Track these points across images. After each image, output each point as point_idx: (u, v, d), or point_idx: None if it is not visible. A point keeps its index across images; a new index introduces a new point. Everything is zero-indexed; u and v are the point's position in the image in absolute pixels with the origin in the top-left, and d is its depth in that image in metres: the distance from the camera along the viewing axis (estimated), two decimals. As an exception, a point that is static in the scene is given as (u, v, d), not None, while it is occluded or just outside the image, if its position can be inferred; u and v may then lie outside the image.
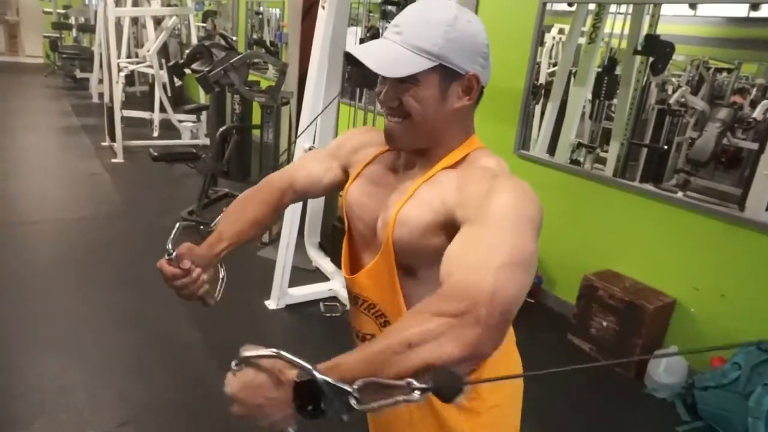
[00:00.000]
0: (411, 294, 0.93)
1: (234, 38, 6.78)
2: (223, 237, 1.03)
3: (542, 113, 3.66)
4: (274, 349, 0.63)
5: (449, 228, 0.83)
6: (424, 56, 0.83)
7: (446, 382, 0.58)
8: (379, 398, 0.59)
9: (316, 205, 3.33)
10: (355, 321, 1.08)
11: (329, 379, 0.59)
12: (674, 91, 3.81)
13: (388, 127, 0.91)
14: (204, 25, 7.80)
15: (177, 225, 1.00)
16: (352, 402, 0.59)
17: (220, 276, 1.05)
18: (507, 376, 0.96)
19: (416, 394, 0.58)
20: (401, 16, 0.87)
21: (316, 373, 0.59)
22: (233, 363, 0.67)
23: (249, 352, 0.66)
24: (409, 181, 0.92)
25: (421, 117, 0.87)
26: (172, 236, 0.96)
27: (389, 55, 0.84)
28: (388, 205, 0.93)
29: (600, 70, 3.57)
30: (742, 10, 3.07)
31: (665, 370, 2.48)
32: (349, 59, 0.86)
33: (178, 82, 6.16)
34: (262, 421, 0.65)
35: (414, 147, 0.93)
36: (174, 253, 0.94)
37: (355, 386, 0.59)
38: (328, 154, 1.13)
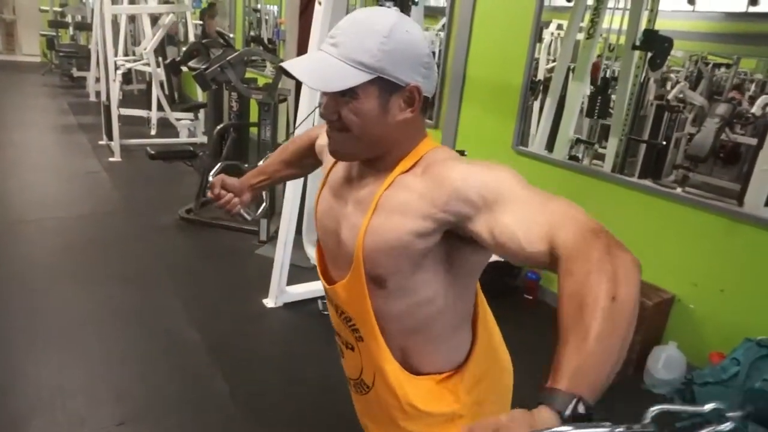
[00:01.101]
0: (380, 308, 0.91)
1: (231, 36, 6.77)
2: (262, 172, 1.31)
3: (541, 109, 3.65)
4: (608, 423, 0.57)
5: (441, 226, 0.82)
6: (360, 69, 0.80)
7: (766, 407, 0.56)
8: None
9: (313, 203, 3.32)
10: (336, 327, 1.07)
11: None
12: (673, 87, 3.80)
13: (330, 140, 0.90)
14: (201, 23, 7.78)
15: (219, 164, 1.29)
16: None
17: (264, 204, 1.39)
18: None
19: (728, 424, 0.57)
20: (338, 27, 0.84)
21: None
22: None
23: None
24: (365, 191, 0.90)
25: (361, 131, 0.84)
26: (214, 171, 1.39)
27: (325, 68, 0.81)
28: (348, 219, 0.91)
29: (593, 89, 3.57)
30: (740, 5, 3.06)
31: (664, 366, 2.48)
32: (286, 73, 0.83)
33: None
34: None
35: (359, 158, 0.91)
36: (210, 182, 1.26)
37: (647, 420, 0.57)
38: (316, 135, 1.20)
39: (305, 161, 1.26)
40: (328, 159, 1.02)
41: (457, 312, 0.96)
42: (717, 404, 0.54)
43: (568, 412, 0.55)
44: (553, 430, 0.53)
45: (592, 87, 3.56)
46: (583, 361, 0.59)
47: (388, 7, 3.23)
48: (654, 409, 0.55)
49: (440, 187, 0.81)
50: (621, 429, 0.53)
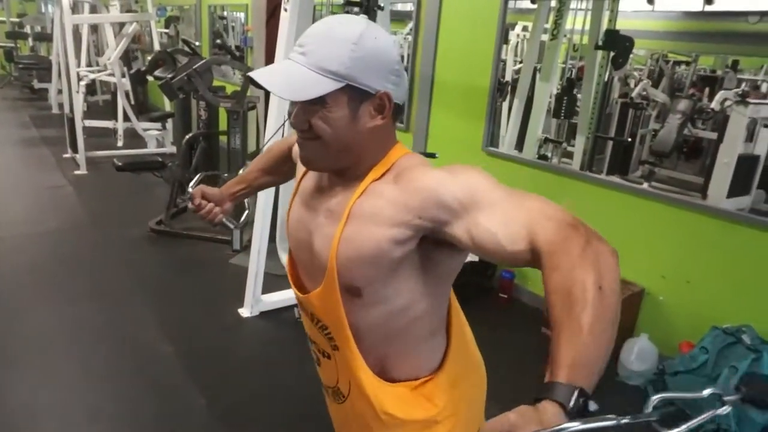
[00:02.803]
0: (356, 317, 0.91)
1: (197, 43, 6.68)
2: (242, 180, 1.31)
3: (510, 110, 3.70)
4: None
5: (417, 232, 0.82)
6: (329, 77, 0.80)
7: (759, 389, 0.58)
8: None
9: (287, 210, 3.30)
10: (311, 335, 1.06)
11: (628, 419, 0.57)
12: (636, 85, 3.90)
13: (302, 150, 0.89)
14: (167, 31, 7.66)
15: (198, 175, 1.28)
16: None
17: (246, 209, 1.29)
18: None
19: (726, 407, 0.58)
20: (305, 36, 0.84)
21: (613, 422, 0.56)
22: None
23: None
24: (336, 200, 0.89)
25: (332, 139, 0.84)
26: (193, 182, 1.30)
27: (293, 78, 0.81)
28: (320, 229, 0.90)
29: (558, 90, 3.64)
30: (697, 4, 3.16)
31: (637, 358, 2.53)
32: (254, 83, 0.83)
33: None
34: None
35: (332, 168, 0.90)
36: (190, 193, 1.26)
37: (650, 409, 0.59)
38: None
39: (283, 168, 1.25)
40: (300, 168, 1.01)
41: (432, 317, 0.96)
42: (714, 389, 0.57)
43: (571, 404, 0.57)
44: (562, 426, 0.54)
45: (559, 86, 3.63)
46: (578, 353, 0.61)
47: (356, 13, 3.24)
48: (655, 398, 0.57)
49: (414, 193, 0.81)
50: (626, 420, 0.55)
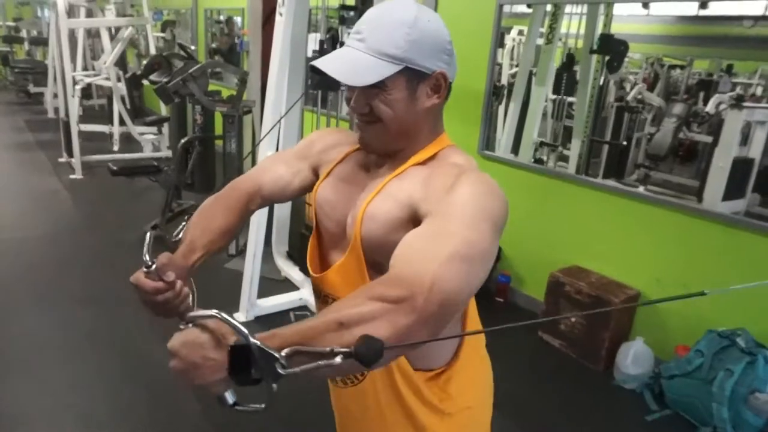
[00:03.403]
0: None
1: (193, 48, 6.68)
2: (196, 247, 0.97)
3: (505, 114, 3.71)
4: (215, 311, 0.66)
5: (415, 223, 0.83)
6: (388, 61, 0.83)
7: (367, 347, 0.60)
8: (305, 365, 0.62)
9: (283, 214, 3.29)
10: None
11: (260, 344, 0.61)
12: (631, 89, 3.91)
13: (362, 133, 0.92)
14: (163, 35, 7.66)
15: (148, 234, 0.90)
16: (279, 368, 0.61)
17: (193, 289, 0.95)
18: (445, 337, 0.91)
19: (338, 358, 0.61)
20: (362, 22, 0.87)
21: (249, 338, 0.62)
22: (181, 324, 0.69)
23: (196, 312, 0.69)
24: (380, 178, 0.92)
25: (393, 120, 0.87)
26: (146, 246, 0.87)
27: (354, 63, 0.84)
28: (357, 203, 0.92)
29: (559, 66, 3.66)
30: (692, 9, 3.17)
31: (632, 362, 2.53)
32: (315, 71, 0.85)
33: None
34: (198, 380, 0.65)
35: (389, 150, 0.93)
36: (154, 265, 0.86)
37: (283, 353, 0.62)
38: (296, 155, 1.09)
39: (240, 224, 1.05)
40: (332, 157, 1.03)
41: None
42: (333, 345, 0.62)
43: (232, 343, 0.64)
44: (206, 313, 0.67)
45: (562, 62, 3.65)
46: (279, 331, 0.65)
47: (351, 17, 3.24)
48: (291, 348, 0.62)
49: (425, 187, 0.84)
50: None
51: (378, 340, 0.61)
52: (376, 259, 0.89)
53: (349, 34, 0.90)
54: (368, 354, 0.60)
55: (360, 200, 0.92)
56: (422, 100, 0.88)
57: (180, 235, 0.93)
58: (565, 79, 3.67)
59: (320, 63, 0.85)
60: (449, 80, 0.89)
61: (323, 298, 1.01)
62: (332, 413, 1.17)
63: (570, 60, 3.67)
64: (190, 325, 0.68)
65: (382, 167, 0.94)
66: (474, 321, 1.03)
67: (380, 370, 0.97)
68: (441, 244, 0.72)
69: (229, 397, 0.67)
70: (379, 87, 0.84)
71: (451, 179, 0.82)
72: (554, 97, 3.77)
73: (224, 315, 0.66)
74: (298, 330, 0.65)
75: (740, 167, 2.60)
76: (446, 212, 0.77)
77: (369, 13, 0.87)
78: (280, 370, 0.61)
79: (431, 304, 0.66)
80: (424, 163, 0.91)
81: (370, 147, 0.93)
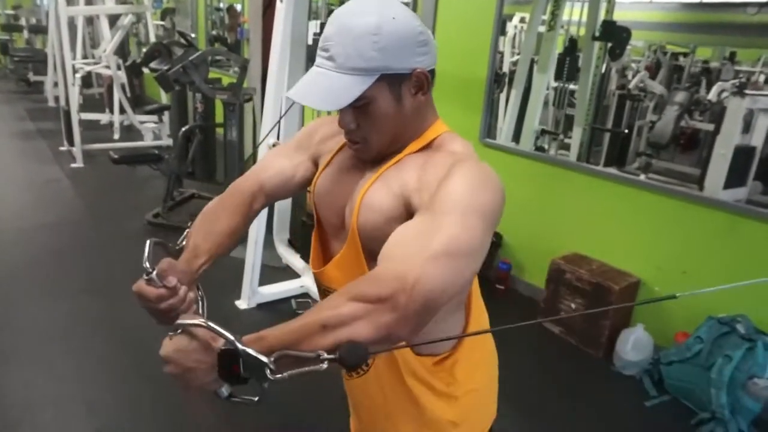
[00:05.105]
0: None
1: (193, 35, 6.65)
2: (200, 252, 0.94)
3: (507, 101, 3.70)
4: (203, 320, 0.70)
5: (409, 213, 0.82)
6: (362, 74, 0.81)
7: (351, 352, 0.64)
8: (293, 369, 0.65)
9: (284, 202, 3.29)
10: None
11: (249, 350, 0.65)
12: (634, 77, 3.89)
13: (355, 147, 0.92)
14: (163, 23, 7.61)
15: (148, 242, 0.89)
16: (267, 372, 0.65)
17: (199, 295, 0.94)
18: (434, 340, 0.92)
19: (324, 364, 0.64)
20: (326, 38, 0.83)
21: (237, 344, 0.66)
22: (170, 331, 0.73)
23: (183, 320, 0.72)
24: (378, 166, 0.91)
25: (384, 128, 0.87)
26: (146, 253, 0.86)
27: (329, 86, 0.81)
28: (354, 192, 0.92)
29: (561, 52, 3.64)
30: (695, -5, 3.15)
31: (632, 348, 2.54)
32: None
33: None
34: (194, 382, 0.71)
35: (386, 152, 0.92)
36: (154, 272, 0.84)
37: (272, 358, 0.65)
38: (296, 147, 1.07)
39: (246, 225, 1.05)
40: (331, 147, 1.02)
41: None
42: (319, 351, 0.65)
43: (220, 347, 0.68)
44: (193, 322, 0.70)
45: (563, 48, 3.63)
46: (267, 335, 0.68)
47: None
48: (278, 353, 0.66)
49: (420, 177, 0.83)
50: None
51: (361, 345, 0.64)
52: (374, 248, 0.87)
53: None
54: (352, 359, 0.64)
55: (357, 189, 0.91)
56: (407, 99, 0.86)
57: (183, 243, 0.89)
58: (567, 67, 3.65)
59: (295, 95, 0.84)
60: (429, 69, 0.86)
61: (323, 291, 1.01)
62: (337, 401, 1.18)
63: (573, 44, 3.66)
64: (179, 331, 0.72)
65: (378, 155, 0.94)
66: (478, 308, 1.04)
67: (384, 362, 0.97)
68: (428, 242, 0.71)
69: (224, 391, 0.71)
70: (362, 101, 0.82)
71: (444, 170, 0.80)
72: (556, 84, 3.75)
73: (211, 324, 0.69)
74: (283, 333, 0.67)
75: (742, 155, 2.60)
76: (436, 207, 0.76)
77: (331, 25, 0.83)
78: (268, 375, 0.65)
79: (413, 303, 0.66)
80: (421, 150, 0.90)
81: (366, 159, 0.93)
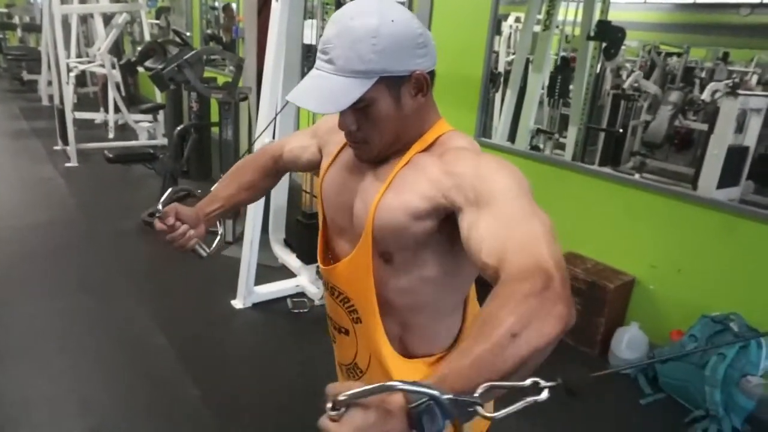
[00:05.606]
0: (385, 283, 0.92)
1: (188, 34, 6.62)
2: (216, 198, 1.15)
3: (502, 101, 3.71)
4: (394, 381, 0.56)
5: (439, 211, 0.83)
6: (361, 77, 0.81)
7: (573, 375, 0.58)
8: (497, 396, 0.58)
9: (280, 201, 3.29)
10: (331, 311, 1.07)
11: (452, 396, 0.54)
12: (628, 76, 3.91)
13: (355, 149, 0.93)
14: (157, 22, 7.59)
15: (170, 189, 1.17)
16: (479, 410, 0.56)
17: (219, 233, 1.23)
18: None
19: (545, 392, 0.58)
20: (325, 41, 0.84)
21: (436, 392, 0.54)
22: (328, 407, 0.57)
23: (349, 391, 0.56)
24: (385, 166, 0.91)
25: (384, 130, 0.87)
26: (163, 198, 1.09)
27: (329, 90, 0.82)
28: (364, 192, 0.92)
29: (552, 70, 3.66)
30: (689, -5, 3.17)
31: (627, 346, 2.56)
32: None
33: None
34: None
35: (386, 154, 0.92)
36: (161, 211, 1.06)
37: (477, 394, 0.56)
38: (310, 133, 1.16)
39: (264, 183, 1.21)
40: (337, 140, 1.02)
41: (458, 292, 0.99)
42: (536, 378, 0.58)
43: (412, 405, 0.55)
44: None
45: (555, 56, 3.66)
46: (452, 372, 0.59)
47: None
48: (485, 385, 0.56)
49: (450, 175, 0.83)
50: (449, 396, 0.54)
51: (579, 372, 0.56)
52: (386, 248, 0.89)
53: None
54: (577, 381, 0.58)
55: (366, 190, 0.92)
56: (406, 101, 0.86)
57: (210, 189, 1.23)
58: (559, 84, 3.67)
59: (293, 98, 0.85)
60: (428, 70, 0.87)
61: (330, 288, 1.02)
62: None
63: (564, 62, 3.68)
64: (342, 410, 0.57)
65: (386, 155, 0.94)
66: (475, 309, 1.05)
67: (376, 363, 0.98)
68: (529, 226, 0.72)
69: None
70: (362, 103, 0.83)
71: (472, 163, 0.82)
72: (548, 94, 3.77)
73: (396, 383, 0.55)
74: (473, 361, 0.59)
75: (735, 155, 2.61)
76: (500, 198, 0.76)
77: (331, 28, 0.83)
78: (482, 414, 0.55)
79: (564, 281, 0.66)
80: (427, 149, 0.90)
81: (367, 160, 0.93)
